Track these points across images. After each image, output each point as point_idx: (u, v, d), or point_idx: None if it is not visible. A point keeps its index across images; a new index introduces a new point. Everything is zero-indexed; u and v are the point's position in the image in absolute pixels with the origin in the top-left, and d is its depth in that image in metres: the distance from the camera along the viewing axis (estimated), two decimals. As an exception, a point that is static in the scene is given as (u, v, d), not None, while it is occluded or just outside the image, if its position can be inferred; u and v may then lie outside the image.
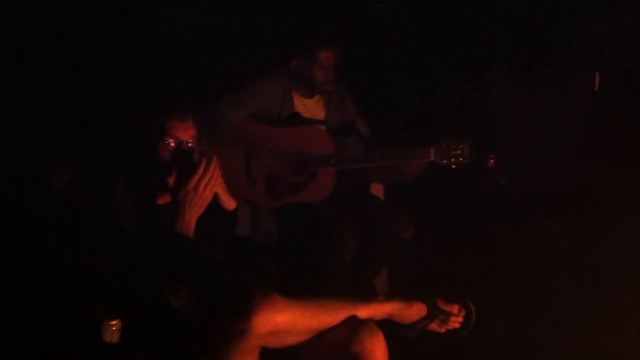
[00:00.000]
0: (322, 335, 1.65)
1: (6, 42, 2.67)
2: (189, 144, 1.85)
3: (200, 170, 1.78)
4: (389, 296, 1.81)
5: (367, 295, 1.79)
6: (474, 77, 3.43)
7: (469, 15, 3.43)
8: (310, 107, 2.64)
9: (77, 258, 1.75)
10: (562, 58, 3.40)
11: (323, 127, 2.63)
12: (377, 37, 3.47)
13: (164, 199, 1.86)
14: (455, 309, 1.85)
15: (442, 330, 1.85)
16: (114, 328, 1.61)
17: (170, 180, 1.81)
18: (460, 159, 2.52)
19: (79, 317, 1.66)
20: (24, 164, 2.32)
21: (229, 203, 1.91)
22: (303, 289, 1.71)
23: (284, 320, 1.56)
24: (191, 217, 1.78)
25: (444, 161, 2.52)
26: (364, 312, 1.71)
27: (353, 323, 1.67)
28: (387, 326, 1.74)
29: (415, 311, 1.80)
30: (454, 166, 2.52)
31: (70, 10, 2.81)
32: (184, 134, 1.84)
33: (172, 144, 1.83)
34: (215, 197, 1.86)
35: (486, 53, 3.41)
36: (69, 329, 1.67)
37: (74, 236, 1.78)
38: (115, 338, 1.61)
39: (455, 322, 1.85)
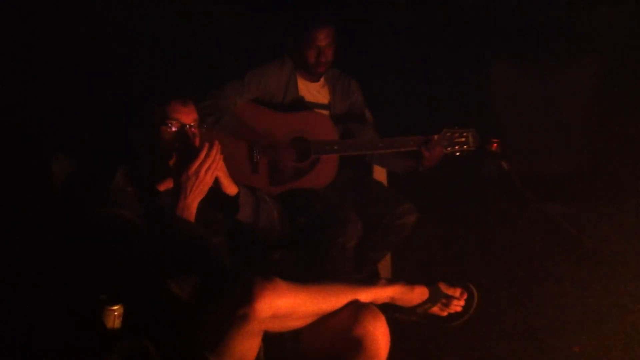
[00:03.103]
0: (325, 319, 1.66)
1: (6, 31, 2.67)
2: (191, 128, 1.85)
3: (202, 155, 1.77)
4: (391, 280, 1.81)
5: (369, 279, 1.79)
6: (477, 64, 3.42)
7: (478, 6, 3.42)
8: (314, 91, 2.63)
9: (78, 246, 1.75)
10: (565, 44, 3.39)
11: (327, 113, 2.63)
12: (381, 29, 3.47)
13: (165, 185, 1.86)
14: (457, 292, 1.85)
15: (444, 313, 1.85)
16: (115, 313, 1.61)
17: (172, 164, 1.81)
18: (465, 147, 2.52)
19: (81, 304, 1.67)
20: (23, 155, 2.33)
21: (231, 188, 1.91)
22: (306, 275, 1.71)
23: (286, 304, 1.56)
24: (192, 202, 1.78)
25: (448, 149, 2.52)
26: (365, 295, 1.71)
27: (355, 307, 1.67)
28: (389, 309, 1.75)
29: (417, 294, 1.80)
30: (458, 154, 2.52)
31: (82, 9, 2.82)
32: (187, 117, 1.85)
33: (175, 128, 1.82)
34: (217, 182, 1.86)
35: (489, 40, 3.40)
36: (72, 316, 1.68)
37: (75, 225, 1.78)
38: (117, 323, 1.61)
39: (457, 306, 1.85)
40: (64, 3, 2.80)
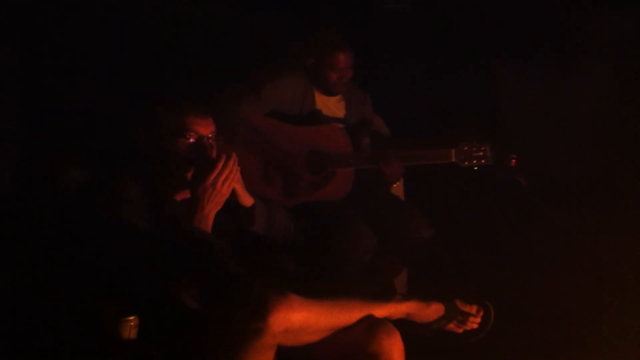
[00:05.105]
0: (339, 334, 1.65)
1: (26, 39, 2.68)
2: (209, 140, 1.85)
3: (219, 166, 1.77)
4: (407, 296, 1.80)
5: (385, 295, 1.78)
6: (490, 75, 3.40)
7: (481, 9, 3.40)
8: (331, 105, 2.64)
9: (93, 256, 1.75)
10: (579, 54, 3.36)
11: (342, 126, 2.63)
12: (394, 38, 3.46)
13: (181, 195, 1.86)
14: (473, 309, 1.83)
15: (460, 330, 1.84)
16: (131, 324, 1.61)
17: (189, 176, 1.81)
18: (482, 161, 2.51)
19: (97, 314, 1.67)
20: (37, 164, 2.33)
21: (247, 199, 1.90)
22: (320, 288, 1.71)
23: (300, 318, 1.55)
24: (209, 213, 1.77)
25: (465, 163, 2.51)
26: (380, 311, 1.70)
27: (370, 322, 1.67)
28: (405, 326, 1.73)
29: (433, 311, 1.79)
30: (475, 168, 2.51)
31: (84, 10, 2.82)
32: (205, 129, 1.84)
33: (192, 140, 1.82)
34: (233, 193, 1.85)
35: (503, 50, 3.38)
36: (87, 326, 1.68)
37: (88, 234, 1.78)
38: (132, 334, 1.61)
39: (474, 323, 1.83)
40: (67, 6, 2.80)
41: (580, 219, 2.92)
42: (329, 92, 2.61)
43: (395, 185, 2.75)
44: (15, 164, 2.36)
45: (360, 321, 1.66)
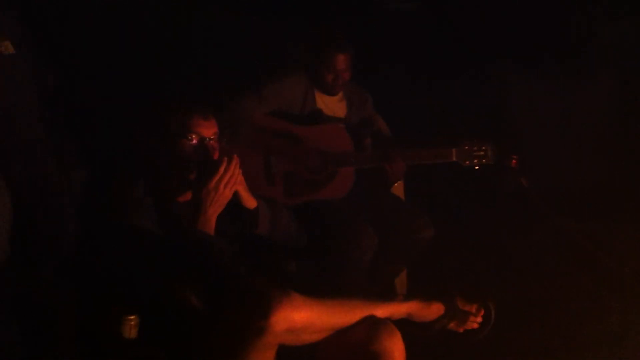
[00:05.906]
0: (340, 334, 1.65)
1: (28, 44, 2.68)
2: (211, 141, 1.85)
3: (222, 170, 1.77)
4: (408, 296, 1.80)
5: (386, 295, 1.78)
6: (493, 77, 3.40)
7: (482, 10, 3.41)
8: (331, 105, 2.64)
9: (97, 255, 1.76)
10: (583, 58, 3.37)
11: (343, 126, 2.63)
12: (397, 38, 3.46)
13: (184, 197, 1.86)
14: (474, 308, 1.83)
15: (461, 330, 1.84)
16: (132, 323, 1.61)
17: (191, 178, 1.81)
18: (483, 161, 2.52)
19: (98, 313, 1.67)
20: (44, 163, 2.33)
21: (250, 202, 1.90)
22: (322, 288, 1.71)
23: (302, 318, 1.55)
24: (212, 215, 1.77)
25: (467, 162, 2.52)
26: (382, 311, 1.70)
27: (371, 322, 1.67)
28: (406, 326, 1.73)
29: (433, 311, 1.79)
30: (477, 167, 2.52)
31: (84, 10, 2.83)
32: (207, 131, 1.84)
33: (195, 141, 1.82)
34: (236, 195, 1.85)
35: (506, 53, 3.39)
36: (89, 325, 1.68)
37: (94, 235, 1.78)
38: (133, 333, 1.62)
39: (474, 322, 1.83)
40: (67, 6, 2.80)
41: (580, 219, 2.93)
42: (328, 92, 2.62)
43: (395, 185, 2.75)
44: (16, 163, 2.35)
45: (361, 321, 1.66)
